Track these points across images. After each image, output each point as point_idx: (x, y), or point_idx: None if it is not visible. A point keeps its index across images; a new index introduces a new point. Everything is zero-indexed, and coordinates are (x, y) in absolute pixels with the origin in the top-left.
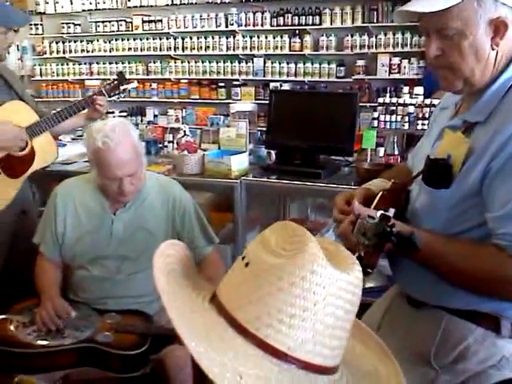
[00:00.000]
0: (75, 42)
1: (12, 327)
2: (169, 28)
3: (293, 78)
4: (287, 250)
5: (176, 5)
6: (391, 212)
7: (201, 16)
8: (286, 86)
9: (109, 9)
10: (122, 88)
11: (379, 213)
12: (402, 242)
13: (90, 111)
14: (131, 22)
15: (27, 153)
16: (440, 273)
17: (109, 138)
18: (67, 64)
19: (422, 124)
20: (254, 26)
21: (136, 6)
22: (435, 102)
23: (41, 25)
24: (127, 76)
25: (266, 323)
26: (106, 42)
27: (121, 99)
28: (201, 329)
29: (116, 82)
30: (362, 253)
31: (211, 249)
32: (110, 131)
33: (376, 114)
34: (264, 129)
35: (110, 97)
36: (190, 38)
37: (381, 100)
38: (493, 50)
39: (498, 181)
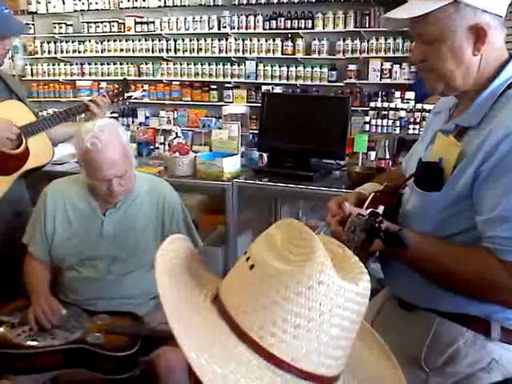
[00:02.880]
0: (67, 42)
1: (1, 328)
2: (161, 30)
3: (285, 82)
4: (294, 254)
5: (168, 6)
6: (380, 209)
7: (193, 18)
8: (277, 89)
9: (101, 9)
10: (126, 95)
11: (369, 210)
12: (389, 238)
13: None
14: (123, 23)
15: (21, 151)
16: (430, 274)
17: (97, 138)
18: (58, 64)
19: (413, 128)
20: (246, 28)
21: (128, 8)
22: (426, 106)
23: (32, 24)
24: (119, 77)
25: (270, 332)
26: (97, 43)
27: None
28: (203, 335)
29: (120, 89)
30: (351, 250)
31: None
32: (99, 132)
33: (367, 118)
34: (256, 131)
35: (112, 102)
36: (183, 40)
37: (372, 104)
38: (474, 55)
39: (487, 184)
